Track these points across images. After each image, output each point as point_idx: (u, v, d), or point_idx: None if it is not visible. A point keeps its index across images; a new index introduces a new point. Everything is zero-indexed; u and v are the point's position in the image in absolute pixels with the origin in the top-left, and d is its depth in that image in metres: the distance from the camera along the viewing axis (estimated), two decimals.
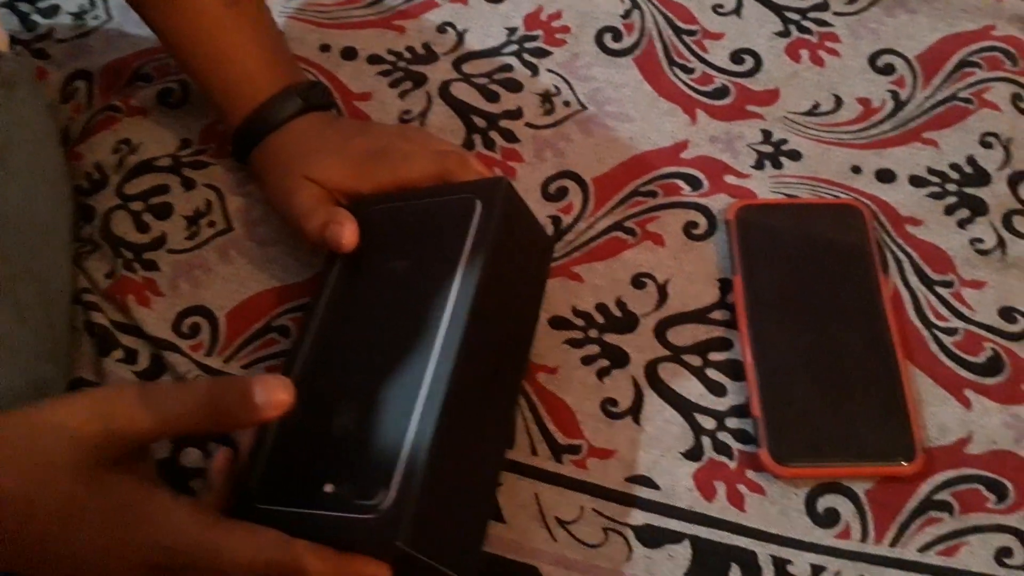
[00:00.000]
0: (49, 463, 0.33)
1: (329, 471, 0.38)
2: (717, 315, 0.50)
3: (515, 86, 0.57)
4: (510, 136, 0.55)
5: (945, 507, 0.45)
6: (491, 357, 0.42)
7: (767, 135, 0.56)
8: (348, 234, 0.44)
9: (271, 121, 0.49)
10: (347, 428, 0.39)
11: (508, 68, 0.58)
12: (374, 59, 0.58)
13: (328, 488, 0.37)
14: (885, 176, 0.55)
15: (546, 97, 0.57)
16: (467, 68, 0.58)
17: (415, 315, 0.40)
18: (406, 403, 0.38)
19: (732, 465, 0.46)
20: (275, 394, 0.35)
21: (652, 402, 0.47)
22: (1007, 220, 0.53)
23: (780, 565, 0.43)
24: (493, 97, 0.57)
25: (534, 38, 0.59)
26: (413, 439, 0.37)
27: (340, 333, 0.43)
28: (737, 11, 0.61)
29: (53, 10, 0.61)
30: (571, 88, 0.57)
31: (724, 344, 0.49)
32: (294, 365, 0.43)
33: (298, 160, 0.48)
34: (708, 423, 0.47)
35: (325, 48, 0.59)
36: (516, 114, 0.56)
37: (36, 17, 0.61)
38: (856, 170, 0.55)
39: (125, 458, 0.35)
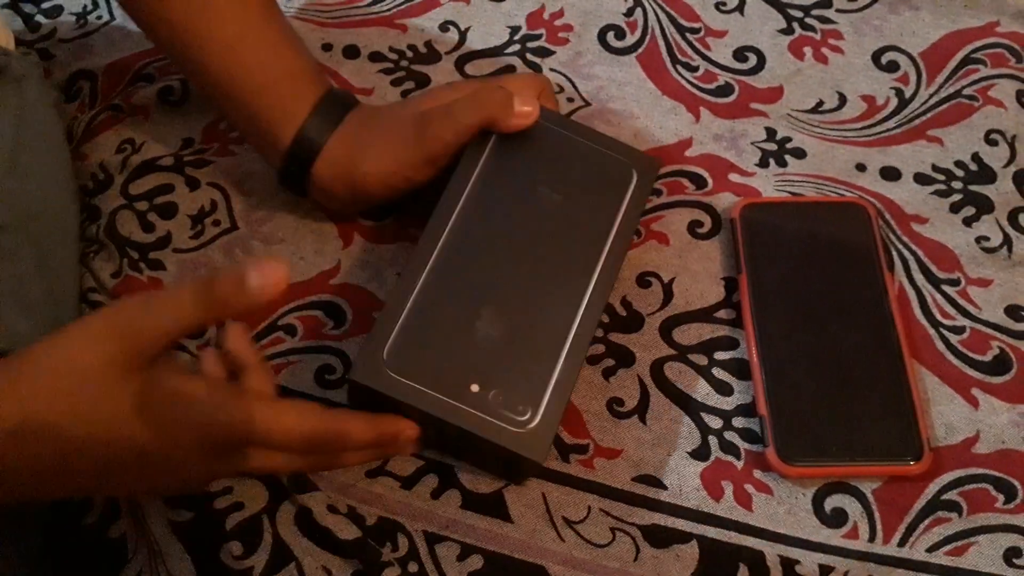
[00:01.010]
0: (85, 381, 0.35)
1: (475, 372, 0.41)
2: (723, 314, 0.50)
3: None
4: None
5: (953, 507, 0.45)
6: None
7: (771, 133, 0.56)
8: None
9: (318, 141, 0.47)
10: (493, 337, 0.42)
11: (511, 68, 0.58)
12: (376, 56, 0.58)
13: (475, 387, 0.41)
14: (890, 174, 0.55)
15: None
16: (469, 69, 0.58)
17: (570, 254, 0.45)
18: (557, 336, 0.43)
19: (739, 465, 0.45)
20: (270, 275, 0.36)
21: (658, 401, 0.47)
22: (1013, 218, 0.53)
23: (788, 565, 0.43)
24: None
25: (537, 37, 0.59)
26: (560, 371, 0.42)
27: (483, 237, 0.45)
28: (740, 9, 0.61)
29: (56, 10, 0.61)
30: (574, 86, 0.57)
31: (730, 343, 0.49)
32: (432, 250, 0.44)
33: (354, 164, 0.47)
34: (715, 422, 0.47)
35: (327, 47, 0.59)
36: None
37: (40, 17, 0.60)
38: (861, 168, 0.55)
39: (150, 360, 0.36)
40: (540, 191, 0.46)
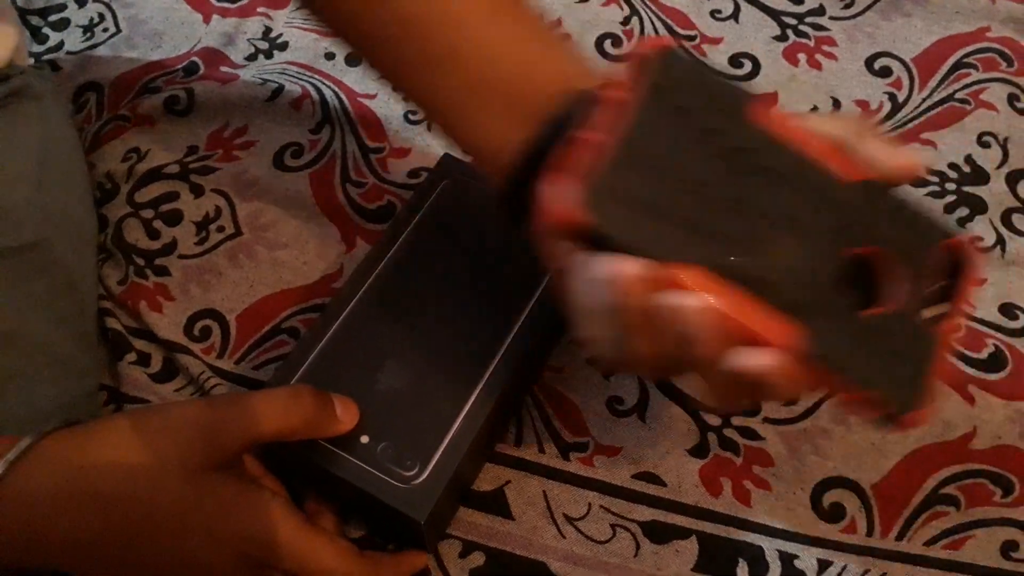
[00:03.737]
0: (161, 466, 0.35)
1: (368, 423, 0.40)
2: None
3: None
4: None
5: (951, 501, 0.45)
6: (533, 365, 0.46)
7: None
8: None
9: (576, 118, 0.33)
10: (395, 390, 0.41)
11: None
12: None
13: (364, 439, 0.40)
14: None
15: None
16: None
17: (489, 314, 0.43)
18: (459, 394, 0.41)
19: (738, 461, 0.46)
20: (351, 410, 0.39)
21: (658, 400, 0.48)
22: (1006, 218, 0.54)
23: (787, 560, 0.43)
24: None
25: None
26: (457, 428, 0.40)
27: (407, 285, 0.44)
28: (735, 16, 0.62)
29: (63, 23, 0.62)
30: None
31: None
32: (345, 306, 0.43)
33: None
34: (714, 420, 0.47)
35: (330, 56, 0.60)
36: None
37: (47, 30, 0.62)
38: None
39: (226, 463, 0.37)
40: (477, 244, 0.45)
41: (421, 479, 0.39)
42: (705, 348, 0.29)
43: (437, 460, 0.39)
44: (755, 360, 0.28)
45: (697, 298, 0.28)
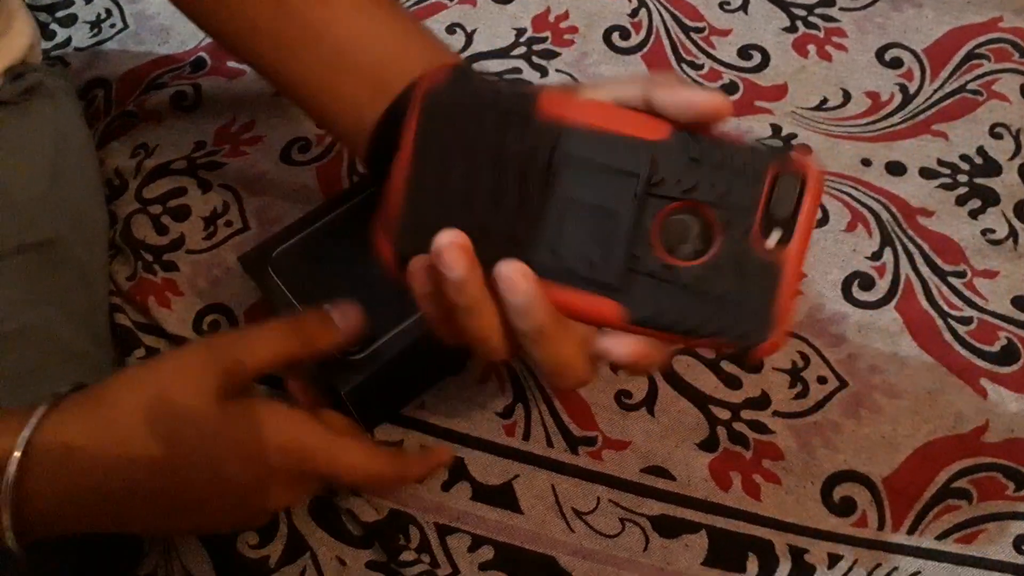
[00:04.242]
0: (180, 403, 0.36)
1: (342, 297, 0.41)
2: None
3: (524, 83, 0.58)
4: None
5: (963, 495, 0.45)
6: None
7: (776, 130, 0.56)
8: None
9: None
10: (364, 281, 0.42)
11: (517, 71, 0.59)
12: None
13: (327, 307, 0.41)
14: (895, 168, 0.55)
15: None
16: (476, 68, 0.59)
17: None
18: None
19: (748, 455, 0.46)
20: (351, 315, 0.40)
21: (667, 394, 0.47)
22: (1019, 209, 0.53)
23: (797, 554, 0.43)
24: None
25: (542, 40, 0.60)
26: (407, 325, 0.42)
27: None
28: (744, 8, 0.61)
29: (71, 19, 0.62)
30: None
31: None
32: (342, 203, 0.46)
33: None
34: (723, 414, 0.47)
35: None
36: None
37: (54, 26, 0.62)
38: (866, 163, 0.55)
39: (240, 391, 0.38)
40: None
41: (357, 358, 0.42)
42: (529, 332, 0.31)
43: (378, 346, 0.42)
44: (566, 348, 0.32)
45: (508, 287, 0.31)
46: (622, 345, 0.32)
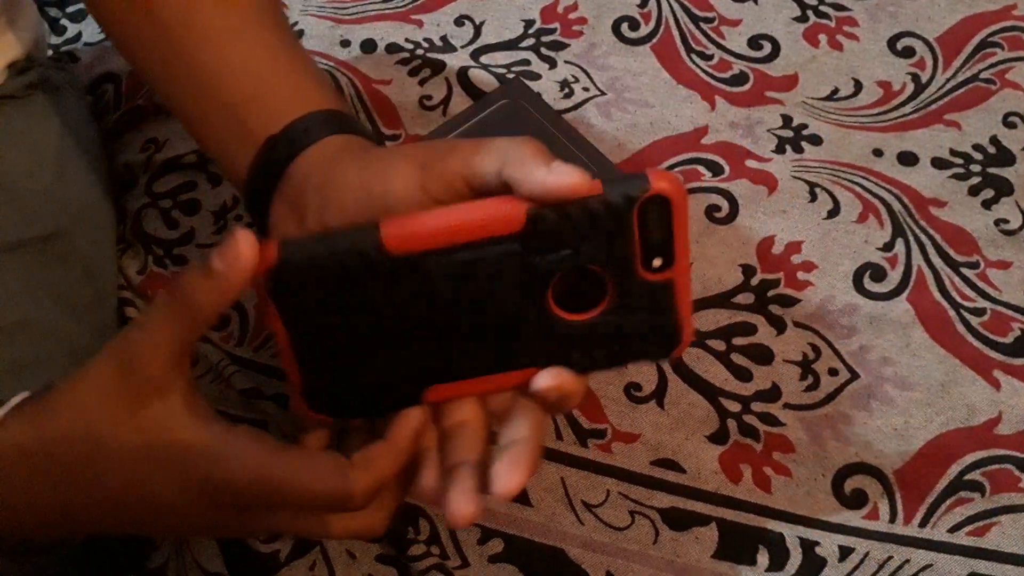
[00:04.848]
0: (95, 410, 0.32)
1: None
2: (741, 299, 0.50)
3: (533, 76, 0.58)
4: None
5: (976, 487, 0.44)
6: None
7: (787, 120, 0.56)
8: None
9: (312, 136, 0.37)
10: None
11: (526, 63, 0.58)
12: (393, 48, 0.59)
13: None
14: (907, 159, 0.54)
15: (565, 83, 0.57)
16: (485, 59, 0.58)
17: None
18: None
19: (758, 448, 0.46)
20: (232, 250, 0.30)
21: (676, 386, 0.47)
22: None
23: (808, 547, 0.43)
24: None
25: (551, 31, 0.60)
26: None
27: None
28: None
29: (81, 14, 0.62)
30: (589, 77, 0.58)
31: (748, 328, 0.49)
32: None
33: (346, 170, 0.36)
34: (733, 407, 0.47)
35: (346, 43, 0.59)
36: None
37: (65, 21, 0.62)
38: (878, 153, 0.55)
39: (160, 386, 0.32)
40: None
41: None
42: None
43: None
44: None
45: None
46: (544, 379, 0.32)
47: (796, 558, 0.43)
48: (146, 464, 0.32)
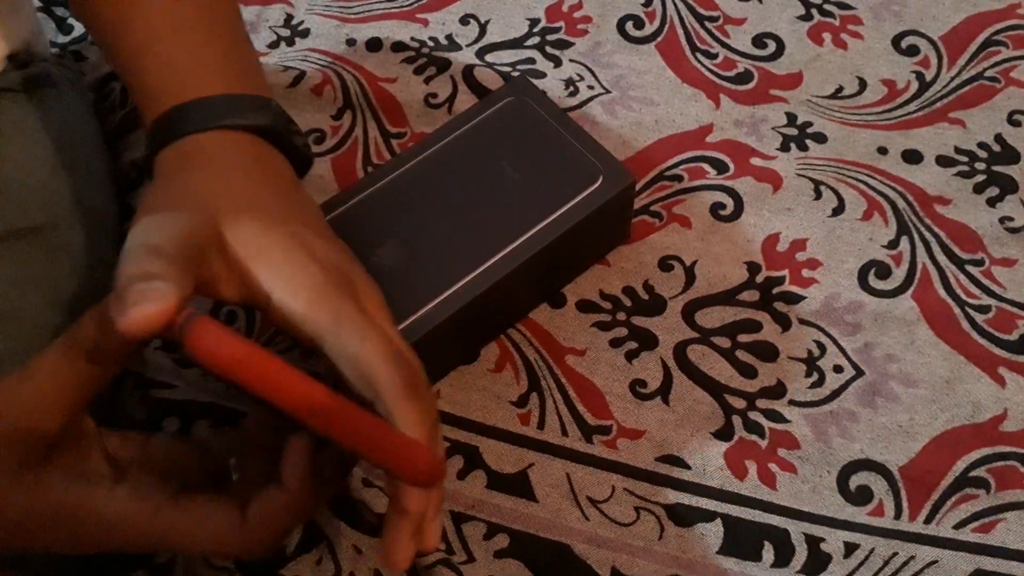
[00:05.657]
0: None
1: None
2: (746, 296, 0.50)
3: (538, 74, 0.58)
4: None
5: (981, 484, 0.44)
6: (521, 292, 0.48)
7: (792, 118, 0.56)
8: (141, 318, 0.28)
9: (210, 122, 0.37)
10: (385, 266, 0.44)
11: (531, 61, 0.59)
12: (398, 46, 0.59)
13: None
14: (912, 157, 0.54)
15: (570, 82, 0.57)
16: (490, 58, 0.59)
17: (495, 224, 0.46)
18: (444, 280, 0.44)
19: (763, 444, 0.46)
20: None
21: (682, 383, 0.47)
22: None
23: (813, 543, 0.43)
24: None
25: (556, 30, 0.60)
26: (428, 310, 0.43)
27: (425, 184, 0.47)
28: None
29: None
30: (594, 75, 0.58)
31: (754, 325, 0.49)
32: (375, 182, 0.47)
33: (217, 187, 0.36)
34: (738, 403, 0.47)
35: (351, 42, 0.60)
36: None
37: (72, 21, 0.62)
38: (882, 151, 0.55)
39: (44, 453, 0.31)
40: (501, 164, 0.47)
41: None
42: None
43: (406, 326, 0.42)
44: None
45: None
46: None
47: (801, 554, 0.43)
48: (32, 522, 0.32)
